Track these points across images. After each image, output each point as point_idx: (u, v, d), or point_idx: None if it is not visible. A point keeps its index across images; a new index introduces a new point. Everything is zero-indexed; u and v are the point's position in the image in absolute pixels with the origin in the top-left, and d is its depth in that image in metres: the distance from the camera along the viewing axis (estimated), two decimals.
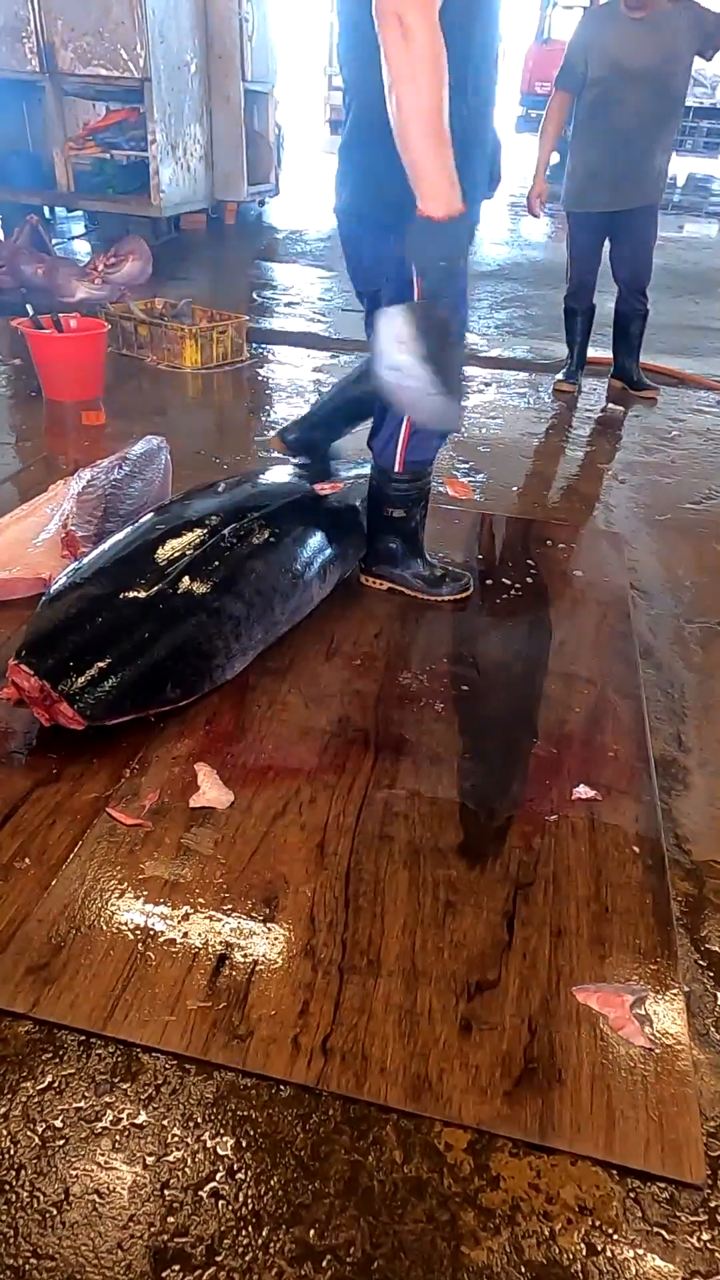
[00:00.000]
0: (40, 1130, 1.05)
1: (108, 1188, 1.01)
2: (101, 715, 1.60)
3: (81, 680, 1.58)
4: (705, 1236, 1.01)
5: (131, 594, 1.70)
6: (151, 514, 2.00)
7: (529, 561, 2.46)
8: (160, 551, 1.81)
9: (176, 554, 1.80)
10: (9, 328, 3.61)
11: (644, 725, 1.82)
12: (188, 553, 1.81)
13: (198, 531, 1.87)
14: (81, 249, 6.70)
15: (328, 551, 2.08)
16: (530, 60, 13.81)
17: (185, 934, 1.29)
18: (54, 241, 5.98)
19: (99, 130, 6.58)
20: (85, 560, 1.85)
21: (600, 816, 1.57)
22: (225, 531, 1.88)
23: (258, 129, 7.14)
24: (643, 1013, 1.22)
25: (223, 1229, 0.98)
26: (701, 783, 1.71)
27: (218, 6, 6.28)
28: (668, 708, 1.92)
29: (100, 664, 1.60)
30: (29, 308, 3.39)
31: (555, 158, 3.73)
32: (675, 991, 1.26)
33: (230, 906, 1.34)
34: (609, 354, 4.05)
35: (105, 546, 1.88)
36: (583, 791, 1.62)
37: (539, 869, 1.45)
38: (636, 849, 1.51)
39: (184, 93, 6.19)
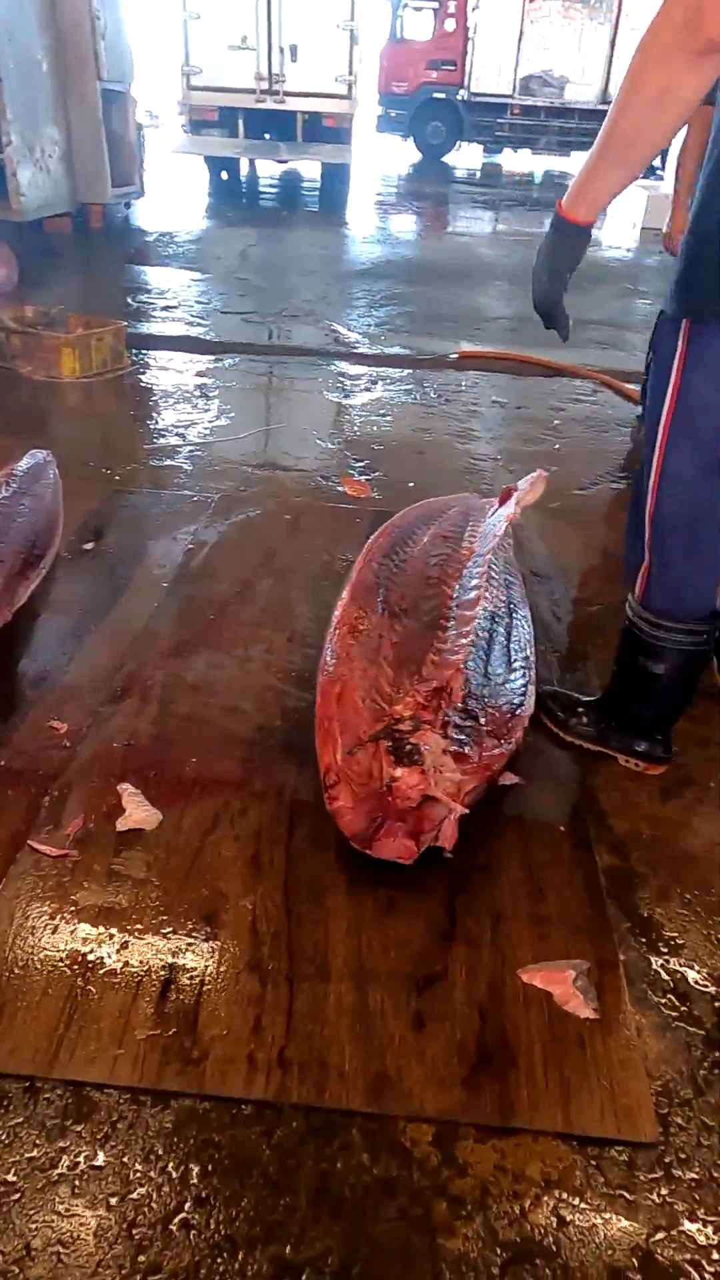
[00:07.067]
0: None
1: (71, 1236, 0.97)
2: None
3: None
4: (663, 1191, 1.05)
5: None
6: None
7: None
8: None
9: None
10: None
11: None
12: None
13: None
14: None
15: None
16: (385, 60, 14.05)
17: (126, 963, 1.25)
18: None
19: None
20: None
21: (525, 801, 1.62)
22: None
23: (117, 129, 6.96)
24: (585, 985, 1.26)
25: (197, 1259, 0.96)
26: (619, 766, 1.77)
27: (67, 5, 6.10)
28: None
29: None
30: None
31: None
32: (613, 960, 1.31)
33: (170, 929, 1.31)
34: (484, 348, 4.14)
35: None
36: (507, 778, 1.65)
37: (472, 857, 1.48)
38: (562, 828, 1.56)
39: (38, 91, 5.97)
